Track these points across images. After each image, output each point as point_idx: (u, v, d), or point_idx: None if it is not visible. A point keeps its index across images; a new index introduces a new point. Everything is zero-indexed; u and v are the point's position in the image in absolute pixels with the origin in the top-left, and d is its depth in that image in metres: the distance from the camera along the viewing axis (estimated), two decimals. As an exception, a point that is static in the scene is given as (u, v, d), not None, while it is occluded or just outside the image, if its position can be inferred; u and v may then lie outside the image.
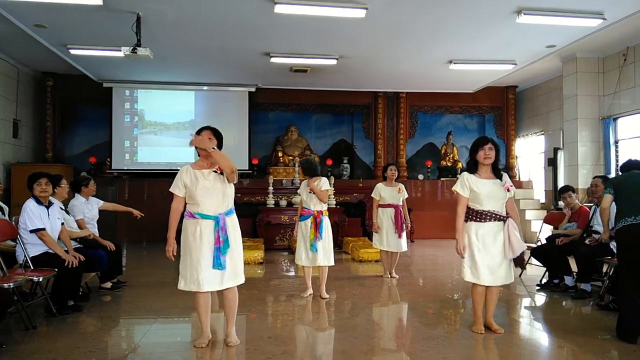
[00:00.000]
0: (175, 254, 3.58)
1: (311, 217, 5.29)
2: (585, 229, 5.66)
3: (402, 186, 6.45)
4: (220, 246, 3.45)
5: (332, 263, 5.38)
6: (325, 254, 5.29)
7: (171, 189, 3.56)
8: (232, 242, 3.53)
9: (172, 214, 3.58)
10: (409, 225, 6.60)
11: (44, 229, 4.48)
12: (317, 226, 5.24)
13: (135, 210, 5.87)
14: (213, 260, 3.45)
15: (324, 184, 5.33)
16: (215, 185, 3.51)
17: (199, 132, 3.60)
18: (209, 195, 3.49)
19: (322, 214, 5.31)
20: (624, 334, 3.78)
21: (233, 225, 3.59)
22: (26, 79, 10.51)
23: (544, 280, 5.98)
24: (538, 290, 5.81)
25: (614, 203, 4.25)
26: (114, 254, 5.49)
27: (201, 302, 3.58)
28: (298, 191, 5.64)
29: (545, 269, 6.06)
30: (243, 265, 3.67)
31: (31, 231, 4.46)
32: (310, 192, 5.33)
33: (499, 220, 3.87)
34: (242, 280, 3.62)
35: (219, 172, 3.52)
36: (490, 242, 3.85)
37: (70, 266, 4.46)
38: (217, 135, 3.63)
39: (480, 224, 3.87)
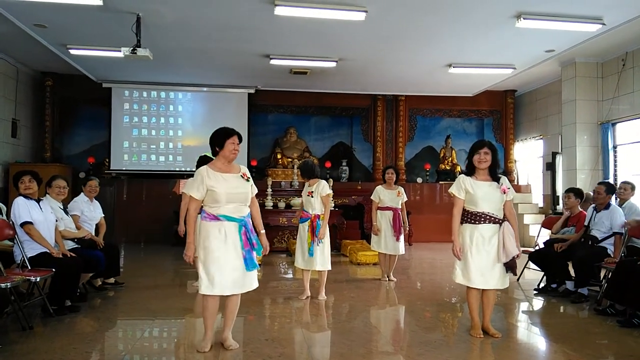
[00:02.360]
0: (192, 257, 3.54)
1: (308, 220, 5.28)
2: (583, 233, 5.66)
3: (401, 189, 6.45)
4: (255, 248, 3.49)
5: (329, 268, 5.33)
6: (322, 259, 5.24)
7: (189, 192, 3.48)
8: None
9: (192, 217, 3.50)
10: (408, 228, 6.60)
11: (30, 223, 4.44)
12: (313, 230, 5.22)
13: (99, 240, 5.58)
14: (247, 262, 3.44)
15: (324, 188, 5.28)
16: (243, 190, 3.53)
17: (228, 135, 3.59)
18: (236, 199, 3.49)
19: (319, 217, 5.26)
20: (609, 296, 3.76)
21: (251, 227, 3.61)
22: (25, 78, 10.50)
23: (542, 285, 5.99)
24: (536, 294, 5.81)
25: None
26: (111, 254, 5.48)
27: (210, 306, 3.52)
28: (302, 193, 5.60)
29: (543, 273, 6.06)
30: None
31: (20, 225, 4.43)
32: (308, 195, 5.32)
33: (494, 223, 3.86)
34: (256, 284, 3.63)
35: (245, 178, 3.58)
36: (484, 244, 3.84)
37: (67, 264, 4.44)
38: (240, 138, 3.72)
39: (475, 226, 3.87)
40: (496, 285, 3.89)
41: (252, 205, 3.66)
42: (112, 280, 5.78)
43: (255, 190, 3.70)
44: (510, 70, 9.65)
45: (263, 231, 3.70)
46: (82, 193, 5.70)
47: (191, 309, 4.93)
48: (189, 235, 3.53)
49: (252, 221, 3.63)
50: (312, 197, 5.28)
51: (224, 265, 3.42)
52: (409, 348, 3.81)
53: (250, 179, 3.64)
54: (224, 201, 3.44)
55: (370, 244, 6.80)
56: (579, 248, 5.47)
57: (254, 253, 3.50)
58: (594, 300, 5.18)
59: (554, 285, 5.84)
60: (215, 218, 3.45)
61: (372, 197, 6.49)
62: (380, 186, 6.51)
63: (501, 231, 3.83)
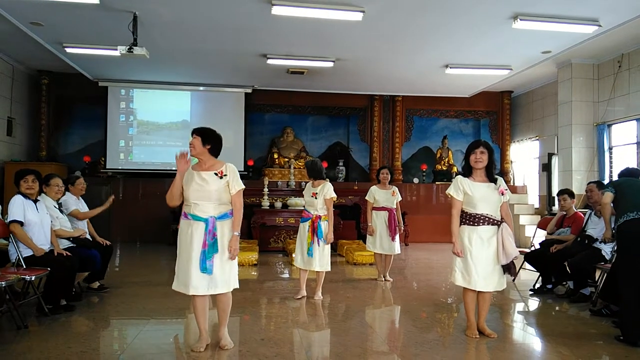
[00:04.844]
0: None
1: (309, 220, 5.25)
2: (579, 234, 5.68)
3: (395, 189, 6.46)
4: (206, 250, 3.39)
5: (328, 269, 5.32)
6: (320, 260, 5.22)
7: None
8: (221, 247, 3.44)
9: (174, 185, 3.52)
10: (402, 228, 6.61)
11: (19, 222, 4.40)
12: (314, 230, 5.20)
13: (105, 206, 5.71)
14: (199, 264, 3.39)
15: (329, 190, 5.27)
16: (210, 188, 3.44)
17: (192, 134, 3.53)
18: (202, 198, 3.43)
19: (320, 218, 5.23)
20: (631, 337, 3.81)
21: (229, 230, 3.50)
22: (21, 76, 10.46)
23: (537, 285, 6.00)
24: (531, 295, 5.82)
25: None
26: (102, 256, 5.41)
27: (197, 305, 3.53)
28: (304, 192, 5.53)
29: (538, 273, 6.08)
30: (236, 272, 3.59)
31: (8, 223, 4.41)
32: (312, 196, 5.28)
33: (492, 225, 3.87)
34: (231, 288, 3.53)
35: (220, 175, 3.48)
36: (484, 246, 3.85)
37: (62, 263, 4.43)
38: (208, 137, 3.51)
39: (474, 228, 3.87)
40: (496, 287, 3.90)
41: (232, 204, 3.53)
42: (95, 285, 5.56)
43: (238, 188, 3.50)
44: (507, 72, 9.68)
45: (236, 233, 3.48)
46: (67, 192, 5.48)
47: (187, 308, 4.91)
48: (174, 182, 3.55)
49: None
50: (315, 198, 5.25)
51: (188, 264, 3.41)
52: (405, 348, 3.81)
53: (230, 176, 3.49)
54: (190, 199, 3.45)
55: (366, 244, 6.80)
56: (574, 249, 5.49)
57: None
58: (589, 301, 5.20)
59: (549, 286, 5.86)
60: (186, 217, 3.49)
61: (366, 198, 6.49)
62: (374, 186, 6.51)
63: (500, 233, 3.84)
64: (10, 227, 4.41)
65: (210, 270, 3.39)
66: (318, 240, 5.19)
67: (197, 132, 3.54)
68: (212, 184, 3.45)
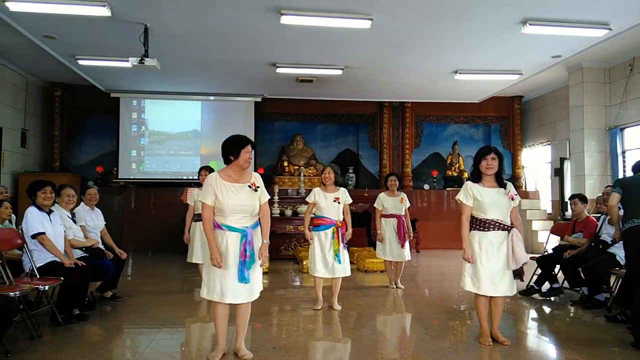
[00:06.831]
0: (221, 261, 3.42)
1: (334, 226, 5.14)
2: (592, 239, 5.62)
3: (404, 196, 6.43)
4: (247, 260, 3.41)
5: (350, 273, 5.34)
6: (345, 265, 5.20)
7: (202, 199, 3.47)
8: (256, 256, 3.51)
9: (207, 224, 3.46)
10: (412, 235, 6.58)
11: (43, 233, 4.50)
12: (342, 236, 5.16)
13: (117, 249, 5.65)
14: (238, 274, 3.40)
15: (348, 195, 5.28)
16: (247, 202, 3.48)
17: (243, 145, 3.50)
18: (239, 210, 3.45)
19: (343, 224, 5.23)
20: None
21: (258, 239, 3.55)
22: (35, 89, 10.62)
23: (541, 288, 5.97)
24: (543, 298, 5.76)
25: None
26: (115, 265, 5.44)
27: (220, 313, 3.51)
28: (312, 199, 5.23)
29: (551, 278, 6.01)
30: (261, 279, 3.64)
31: (32, 236, 4.48)
32: (335, 201, 5.17)
33: (503, 230, 3.85)
34: (257, 295, 3.57)
35: (253, 187, 3.51)
36: (494, 251, 3.83)
37: (75, 273, 4.48)
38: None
39: (484, 233, 3.85)
40: (505, 292, 3.87)
41: (261, 213, 3.62)
42: (108, 294, 5.61)
43: (266, 197, 3.62)
44: (517, 76, 9.64)
45: (266, 241, 3.58)
46: (82, 202, 5.66)
47: (199, 317, 4.93)
48: (209, 241, 3.46)
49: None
50: (339, 203, 5.19)
51: (224, 273, 3.41)
52: (417, 356, 3.78)
53: (261, 187, 3.58)
54: (227, 211, 3.43)
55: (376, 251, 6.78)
56: (588, 254, 5.43)
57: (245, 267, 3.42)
58: (605, 307, 5.13)
59: (537, 287, 5.87)
60: (219, 227, 3.46)
61: (375, 205, 6.47)
62: (382, 193, 6.49)
63: (510, 238, 3.82)
64: (38, 239, 4.48)
65: (248, 279, 3.43)
66: (345, 245, 5.18)
67: (252, 144, 3.60)
68: (249, 198, 3.48)
